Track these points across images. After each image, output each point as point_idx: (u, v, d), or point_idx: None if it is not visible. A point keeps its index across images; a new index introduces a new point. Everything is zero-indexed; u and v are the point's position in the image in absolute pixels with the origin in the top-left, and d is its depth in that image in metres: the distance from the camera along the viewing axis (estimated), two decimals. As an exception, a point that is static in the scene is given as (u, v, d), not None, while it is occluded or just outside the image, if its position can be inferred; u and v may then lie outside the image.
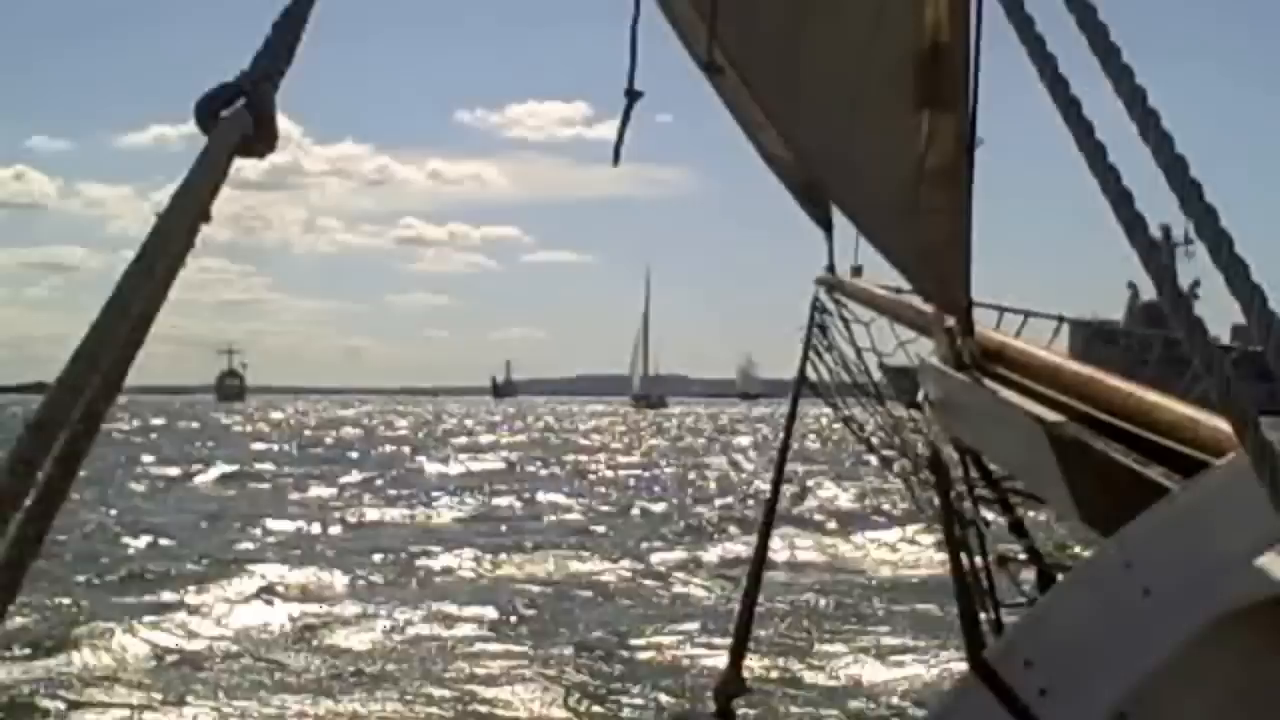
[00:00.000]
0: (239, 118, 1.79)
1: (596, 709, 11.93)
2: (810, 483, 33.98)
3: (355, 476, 38.64)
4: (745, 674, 6.68)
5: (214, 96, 1.79)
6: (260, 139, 1.82)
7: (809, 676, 12.91)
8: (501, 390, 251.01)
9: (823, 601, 16.96)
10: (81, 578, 17.88)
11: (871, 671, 13.11)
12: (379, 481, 37.26)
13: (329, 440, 59.19)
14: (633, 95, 3.65)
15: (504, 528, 25.96)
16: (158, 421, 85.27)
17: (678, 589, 18.27)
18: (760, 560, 6.95)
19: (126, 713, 11.42)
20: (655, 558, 21.32)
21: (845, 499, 30.97)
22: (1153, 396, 3.19)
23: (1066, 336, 5.28)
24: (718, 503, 30.86)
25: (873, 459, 5.96)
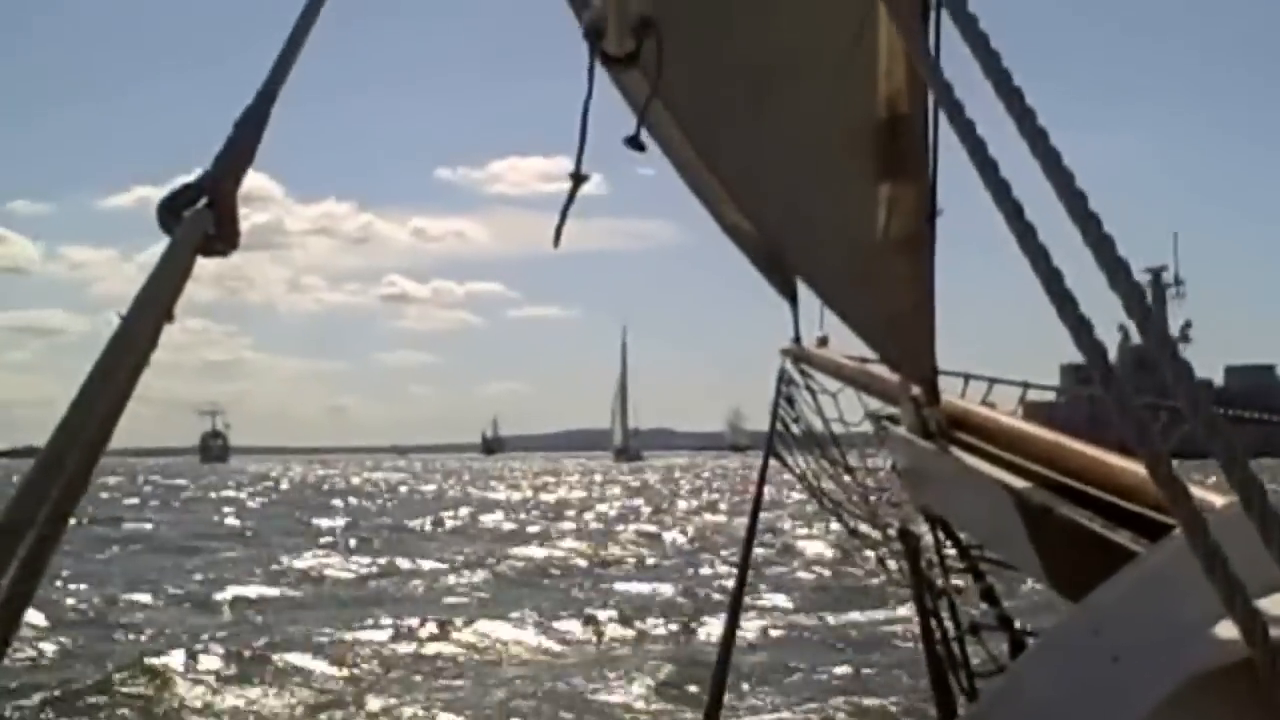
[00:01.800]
0: (201, 217, 1.80)
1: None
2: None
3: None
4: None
5: (176, 196, 1.80)
6: (222, 237, 1.83)
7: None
8: (491, 446, 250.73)
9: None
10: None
11: None
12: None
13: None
14: (579, 179, 3.66)
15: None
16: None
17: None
18: (734, 617, 6.91)
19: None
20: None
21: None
22: (1118, 460, 3.20)
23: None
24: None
25: (842, 528, 5.96)
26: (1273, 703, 1.81)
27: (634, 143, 3.73)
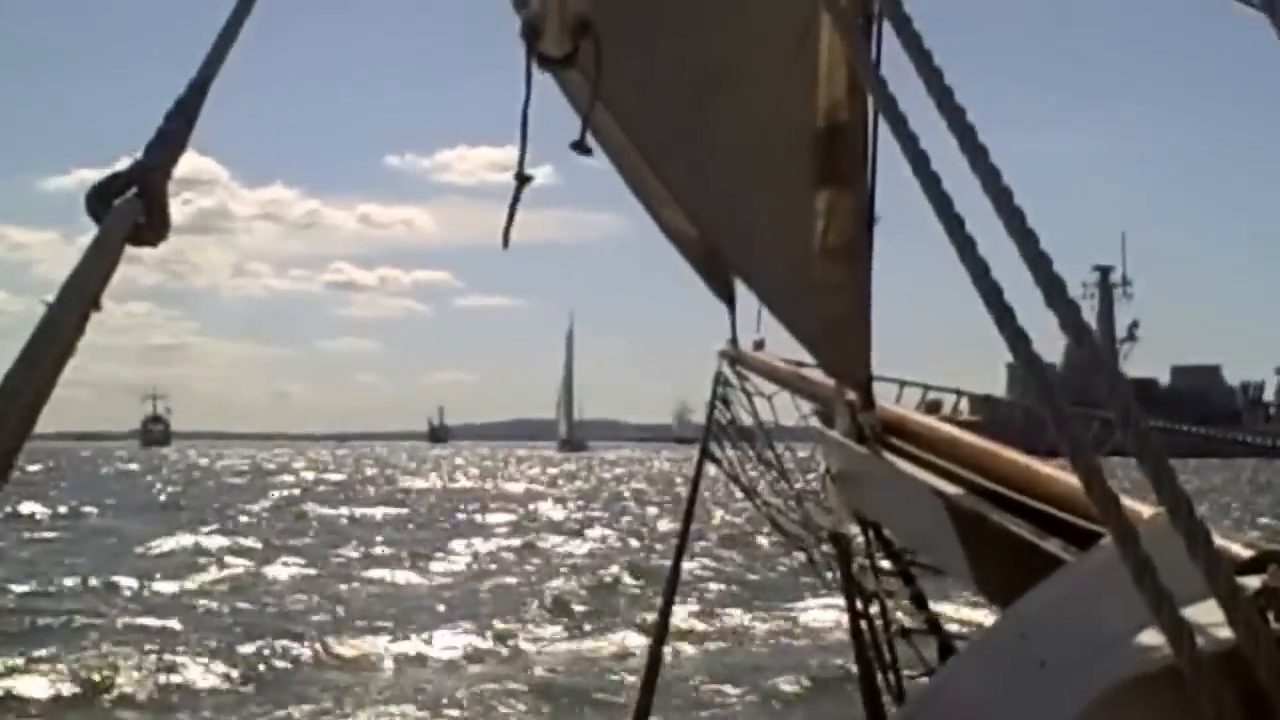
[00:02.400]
0: (131, 206, 1.79)
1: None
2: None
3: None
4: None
5: (105, 185, 1.79)
6: (152, 227, 1.82)
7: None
8: (438, 435, 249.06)
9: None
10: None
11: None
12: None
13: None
14: (522, 179, 3.65)
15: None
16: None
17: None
18: (661, 635, 6.91)
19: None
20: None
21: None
22: (1050, 469, 3.24)
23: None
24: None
25: (775, 531, 5.98)
26: (1198, 710, 1.85)
27: (579, 146, 3.73)
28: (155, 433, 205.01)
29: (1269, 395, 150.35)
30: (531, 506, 50.09)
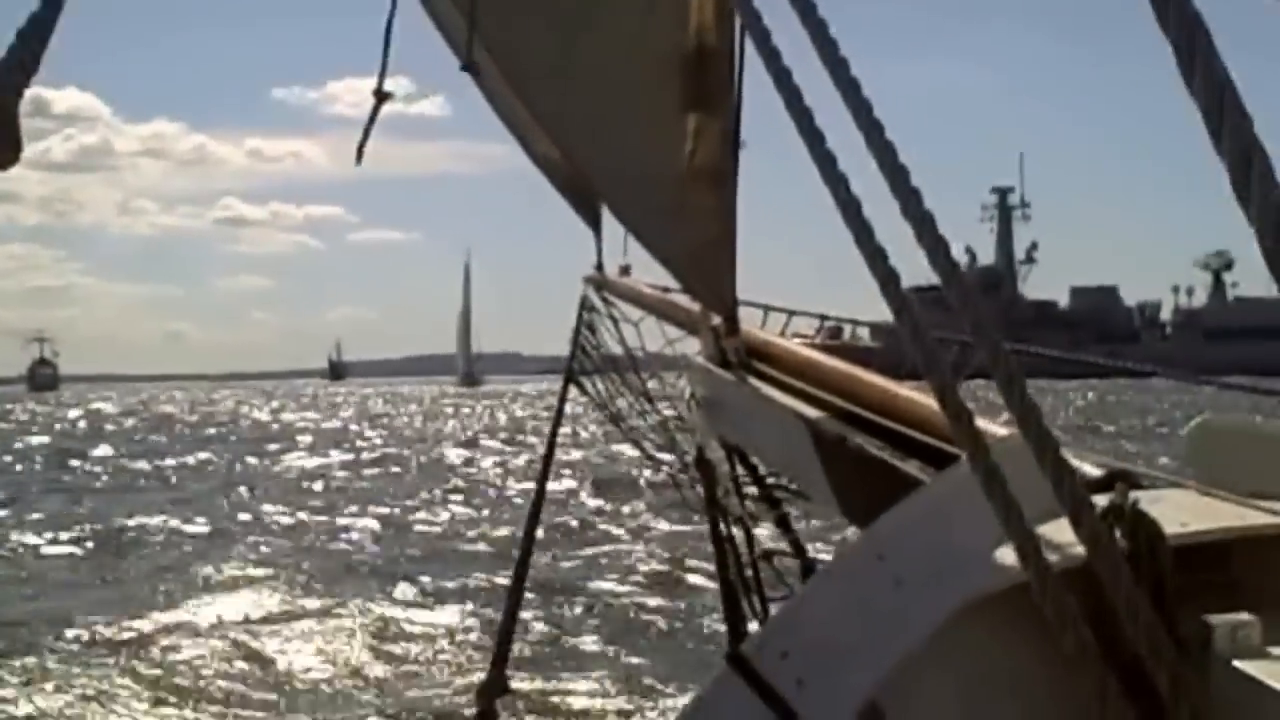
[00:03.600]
0: None
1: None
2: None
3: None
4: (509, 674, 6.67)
5: None
6: (2, 149, 1.74)
7: (574, 673, 12.94)
8: (338, 372, 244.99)
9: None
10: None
11: (637, 665, 13.22)
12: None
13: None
14: (381, 97, 3.58)
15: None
16: None
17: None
18: (525, 557, 6.92)
19: None
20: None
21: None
22: (910, 392, 3.29)
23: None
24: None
25: (639, 455, 6.01)
26: (1045, 622, 1.90)
27: (470, 68, 3.67)
28: (43, 376, 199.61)
29: (1165, 314, 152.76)
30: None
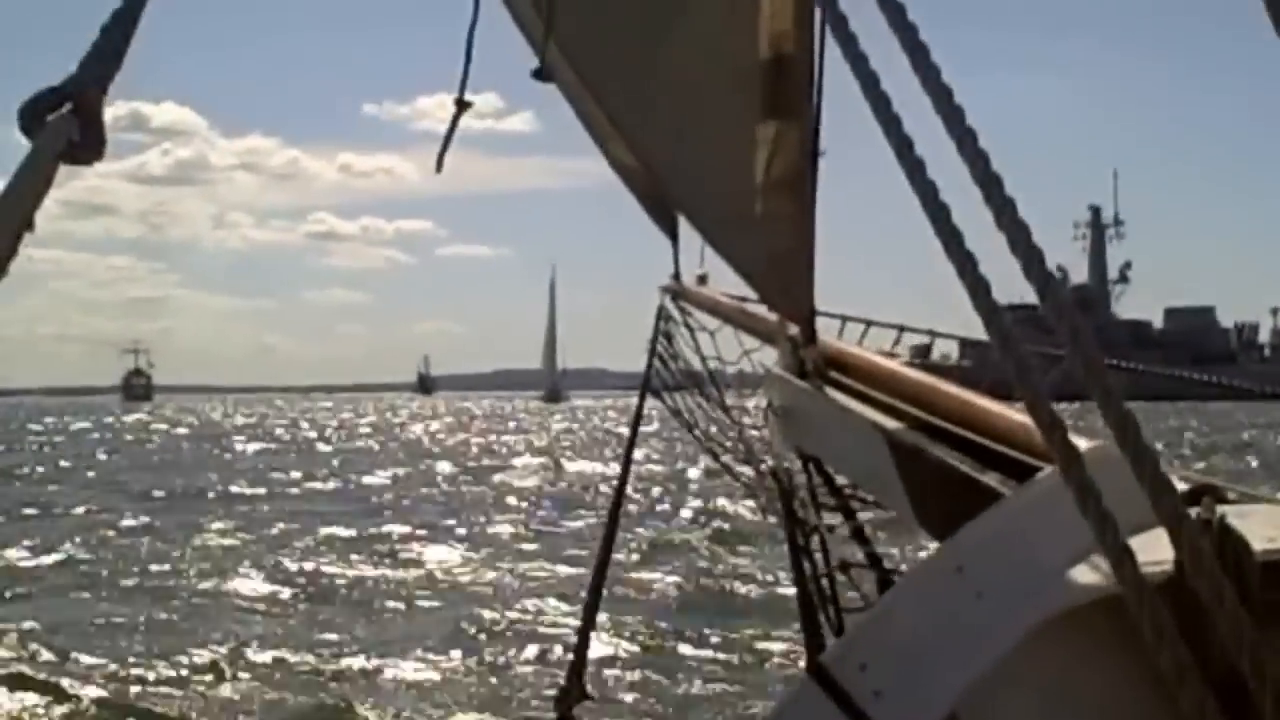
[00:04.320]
0: (65, 123, 1.75)
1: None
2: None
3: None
4: (588, 681, 6.66)
5: (39, 100, 1.74)
6: (87, 145, 1.78)
7: (654, 680, 12.94)
8: (427, 385, 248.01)
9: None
10: None
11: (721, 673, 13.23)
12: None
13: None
14: (463, 105, 3.59)
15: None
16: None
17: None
18: (604, 564, 6.92)
19: None
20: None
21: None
22: (990, 404, 3.25)
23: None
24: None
25: (717, 465, 5.99)
26: (1140, 637, 1.86)
27: (541, 74, 3.67)
28: (137, 387, 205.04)
29: (1264, 336, 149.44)
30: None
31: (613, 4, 4.03)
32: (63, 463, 47.61)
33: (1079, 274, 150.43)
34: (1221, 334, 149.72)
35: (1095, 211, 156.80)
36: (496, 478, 40.20)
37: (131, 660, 13.65)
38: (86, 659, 13.76)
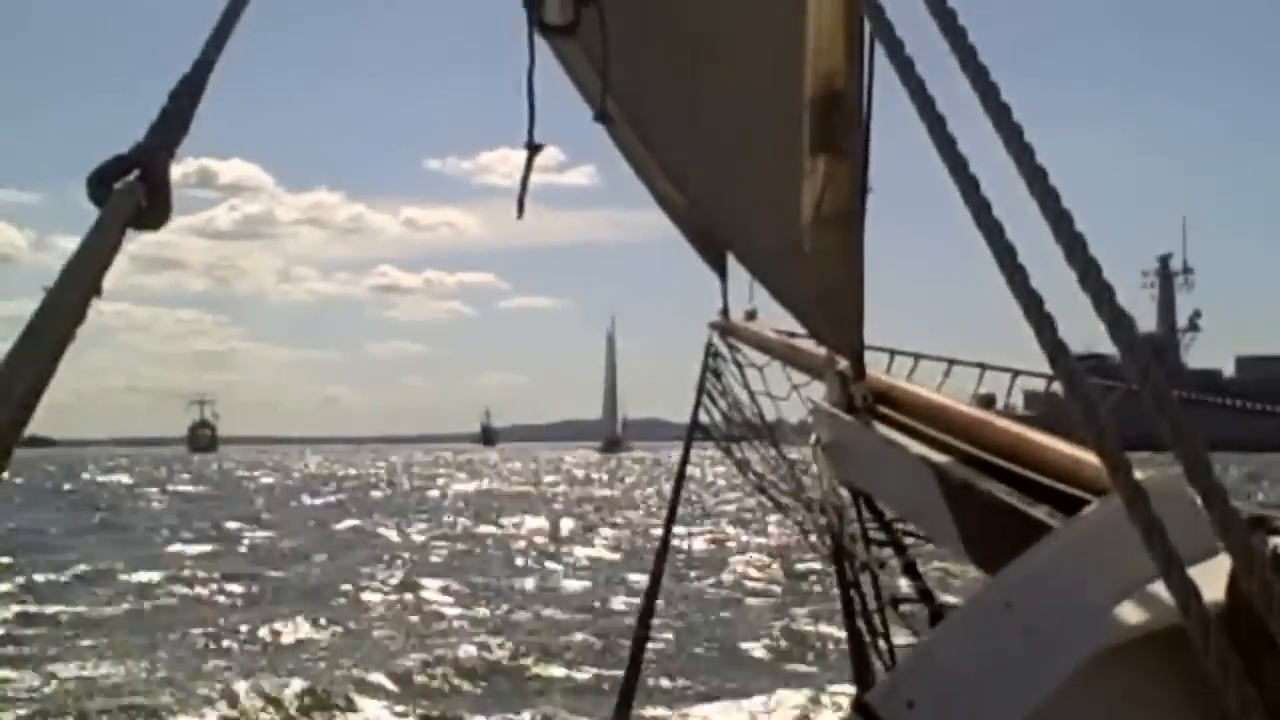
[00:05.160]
0: (133, 190, 1.77)
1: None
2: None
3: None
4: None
5: (107, 169, 1.77)
6: (154, 210, 1.80)
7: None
8: (490, 437, 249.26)
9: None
10: None
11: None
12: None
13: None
14: (533, 149, 3.63)
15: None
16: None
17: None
18: (650, 604, 6.91)
19: None
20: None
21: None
22: (1039, 437, 3.24)
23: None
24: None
25: (767, 502, 5.99)
26: (1195, 672, 1.85)
27: (602, 117, 3.72)
28: (203, 438, 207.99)
29: None
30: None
31: (658, 41, 4.07)
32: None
33: (1147, 323, 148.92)
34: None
35: (1164, 260, 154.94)
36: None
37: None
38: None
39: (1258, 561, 1.82)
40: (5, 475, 1.55)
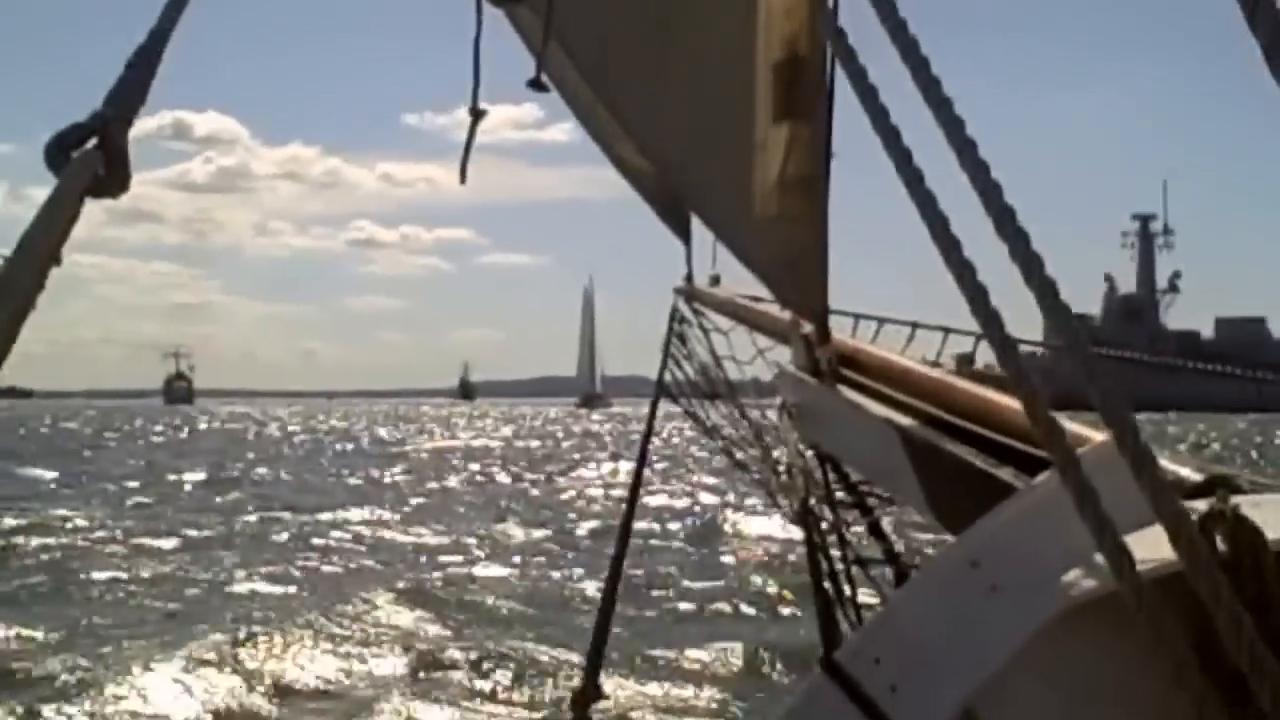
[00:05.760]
0: (90, 158, 1.77)
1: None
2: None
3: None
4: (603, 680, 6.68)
5: (64, 136, 1.77)
6: (112, 179, 1.80)
7: (667, 677, 12.97)
8: (468, 392, 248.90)
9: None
10: None
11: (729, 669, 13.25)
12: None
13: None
14: (477, 114, 3.61)
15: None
16: None
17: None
18: (618, 564, 6.93)
19: None
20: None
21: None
22: (1004, 399, 3.27)
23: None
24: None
25: (732, 464, 6.01)
26: (1137, 634, 1.89)
27: (536, 84, 3.70)
28: (178, 390, 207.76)
29: None
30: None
31: (623, 9, 4.05)
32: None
33: (1127, 284, 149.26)
34: (1274, 345, 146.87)
35: (1144, 221, 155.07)
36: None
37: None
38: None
39: (1185, 527, 1.86)
40: None
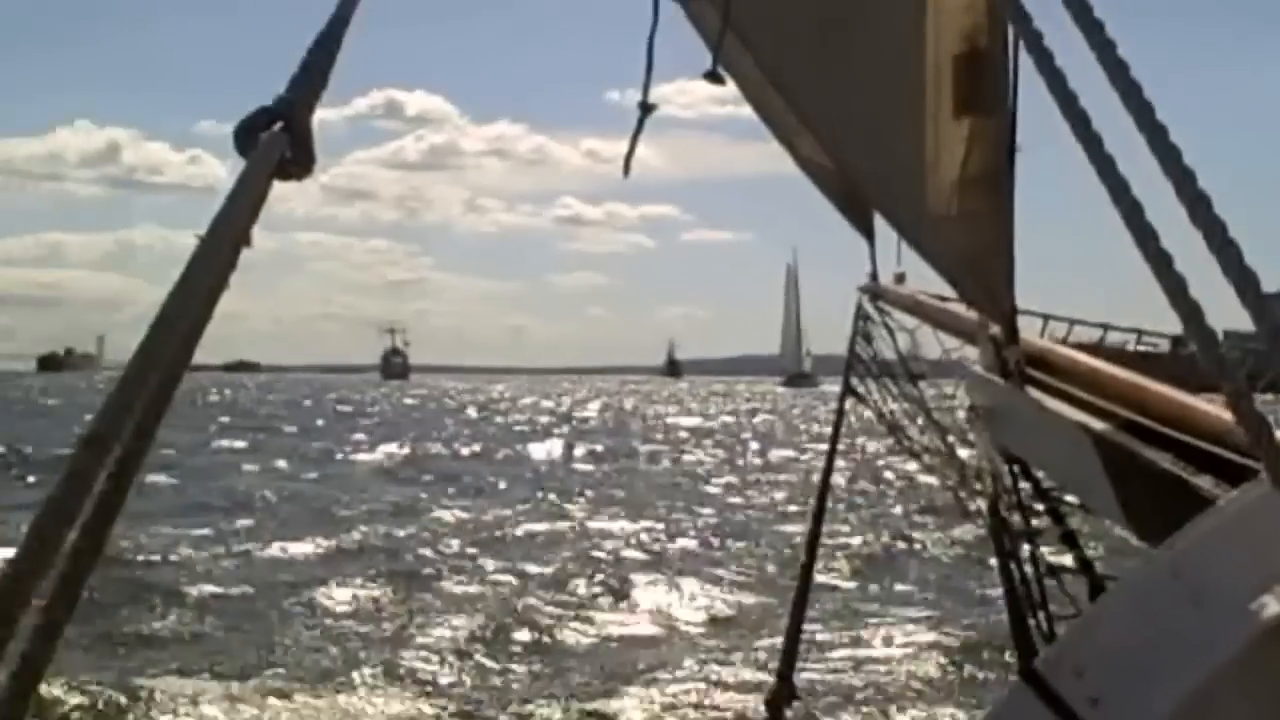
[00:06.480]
0: (277, 140, 1.82)
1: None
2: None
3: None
4: (796, 680, 6.65)
5: (252, 120, 1.83)
6: (298, 160, 1.86)
7: (860, 681, 12.85)
8: (676, 369, 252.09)
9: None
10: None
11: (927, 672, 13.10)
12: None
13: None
14: (646, 109, 3.61)
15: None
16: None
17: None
18: (809, 564, 6.89)
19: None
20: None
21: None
22: (1200, 403, 3.15)
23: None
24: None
25: (918, 467, 5.91)
26: None
27: (713, 76, 3.67)
28: (395, 365, 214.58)
29: None
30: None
31: (798, 5, 4.00)
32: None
33: (1273, 283, 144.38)
34: None
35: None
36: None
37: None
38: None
39: None
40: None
